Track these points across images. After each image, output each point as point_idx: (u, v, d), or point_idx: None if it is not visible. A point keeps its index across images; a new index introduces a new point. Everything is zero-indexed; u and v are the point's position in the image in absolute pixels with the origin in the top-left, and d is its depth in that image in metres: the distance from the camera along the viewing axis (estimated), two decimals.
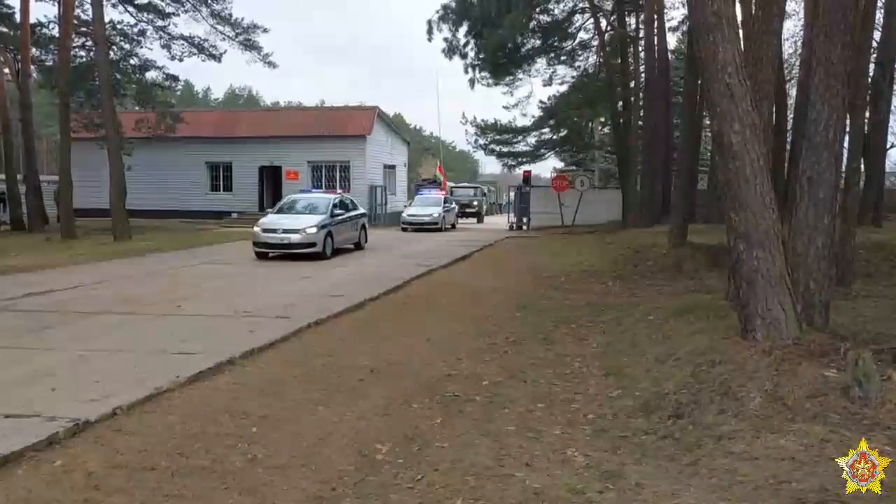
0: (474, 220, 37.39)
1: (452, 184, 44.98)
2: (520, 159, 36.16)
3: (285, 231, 16.53)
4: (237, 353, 7.17)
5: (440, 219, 28.73)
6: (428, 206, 29.85)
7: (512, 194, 33.72)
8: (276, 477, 4.34)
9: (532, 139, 35.45)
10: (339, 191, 20.63)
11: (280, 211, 18.29)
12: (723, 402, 5.13)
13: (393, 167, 37.01)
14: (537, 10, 27.86)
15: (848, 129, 9.53)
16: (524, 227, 29.68)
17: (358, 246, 19.27)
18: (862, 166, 15.09)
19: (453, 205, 32.46)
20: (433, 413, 5.60)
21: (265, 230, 16.75)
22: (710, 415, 5.04)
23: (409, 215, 29.10)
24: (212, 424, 5.21)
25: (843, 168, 9.47)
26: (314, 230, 16.55)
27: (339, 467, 4.49)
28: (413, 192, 38.28)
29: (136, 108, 31.59)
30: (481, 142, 35.30)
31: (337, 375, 6.61)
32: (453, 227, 30.74)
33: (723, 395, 5.21)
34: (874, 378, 4.81)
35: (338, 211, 17.83)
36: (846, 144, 9.50)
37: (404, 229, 28.02)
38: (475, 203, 38.99)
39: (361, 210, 20.00)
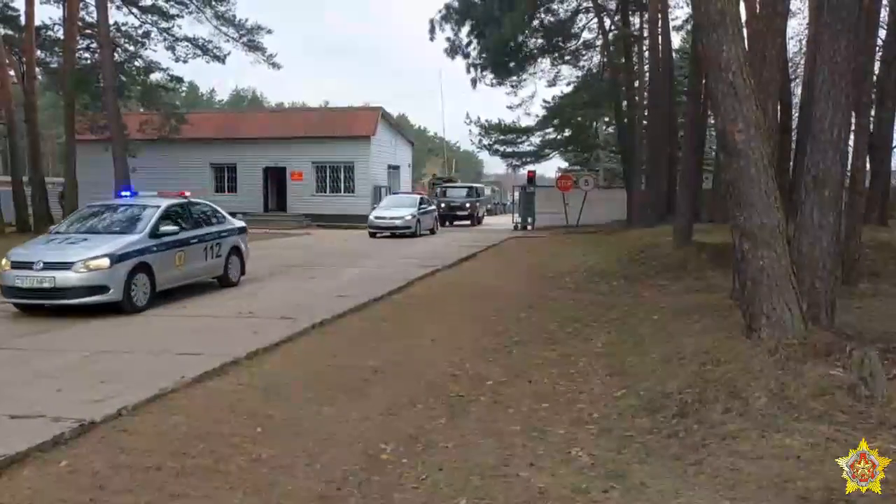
0: (467, 222, 33.89)
1: (450, 184, 42.01)
2: (524, 159, 36.17)
3: (47, 266, 9.51)
4: (242, 354, 7.17)
5: (414, 222, 24.67)
6: (400, 206, 25.65)
7: (516, 194, 33.60)
8: (280, 477, 4.34)
9: (536, 139, 35.49)
10: (185, 194, 12.30)
11: (66, 230, 10.93)
12: (728, 401, 5.12)
13: (397, 168, 37.02)
14: (541, 9, 27.85)
15: (853, 128, 9.50)
16: (529, 228, 29.65)
17: (224, 280, 12.14)
18: (867, 165, 15.03)
19: (432, 206, 28.63)
20: (438, 413, 5.60)
21: (17, 264, 9.71)
22: (714, 414, 5.02)
23: (377, 217, 24.86)
24: (216, 424, 5.21)
25: (849, 167, 9.45)
26: (106, 263, 9.51)
27: (343, 467, 4.50)
28: (434, 193, 36.63)
29: (141, 109, 31.70)
30: (485, 142, 35.34)
31: (341, 376, 6.61)
32: (432, 231, 26.80)
33: (728, 395, 5.20)
34: (880, 377, 4.80)
35: (168, 228, 10.70)
36: (851, 143, 9.48)
37: (372, 234, 24.52)
38: (467, 205, 34.59)
39: (232, 223, 12.77)
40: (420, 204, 26.31)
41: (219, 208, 12.98)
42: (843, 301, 7.86)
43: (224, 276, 12.21)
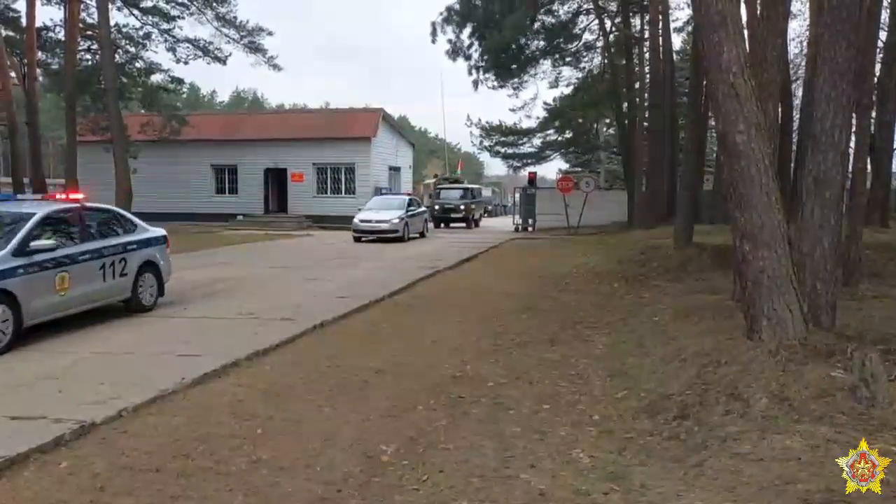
0: (462, 225, 32.15)
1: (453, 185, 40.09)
2: (525, 161, 36.28)
3: None
4: (242, 356, 7.18)
5: (402, 225, 23.24)
6: (386, 208, 24.10)
7: (517, 196, 33.52)
8: (280, 478, 4.34)
9: (537, 140, 35.65)
10: (77, 197, 9.67)
11: None
12: (728, 402, 5.11)
13: (398, 169, 37.04)
14: (541, 11, 27.89)
15: (854, 129, 9.50)
16: (530, 229, 29.65)
17: (133, 305, 9.81)
18: (868, 166, 15.03)
19: (422, 207, 26.77)
20: (438, 414, 5.60)
21: None
22: (715, 415, 5.02)
23: (362, 221, 23.43)
24: (216, 426, 5.22)
25: (850, 168, 9.44)
26: None
27: (344, 469, 4.49)
28: (434, 193, 35.62)
29: (142, 111, 31.76)
30: (486, 143, 35.48)
31: (342, 377, 6.62)
32: (422, 235, 25.37)
33: (728, 396, 5.19)
34: (881, 378, 4.78)
35: (44, 242, 8.29)
36: (852, 144, 9.47)
37: (357, 238, 23.03)
38: (462, 206, 32.50)
39: (145, 231, 10.38)
40: (408, 206, 24.73)
41: (127, 214, 10.68)
42: (843, 302, 7.86)
43: (133, 299, 9.74)
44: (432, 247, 21.70)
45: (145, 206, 27.85)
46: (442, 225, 32.01)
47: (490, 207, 47.88)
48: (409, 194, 27.67)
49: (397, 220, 23.15)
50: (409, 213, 24.29)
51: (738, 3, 7.21)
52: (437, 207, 32.36)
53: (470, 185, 37.69)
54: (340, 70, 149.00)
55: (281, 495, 4.12)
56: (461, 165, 50.12)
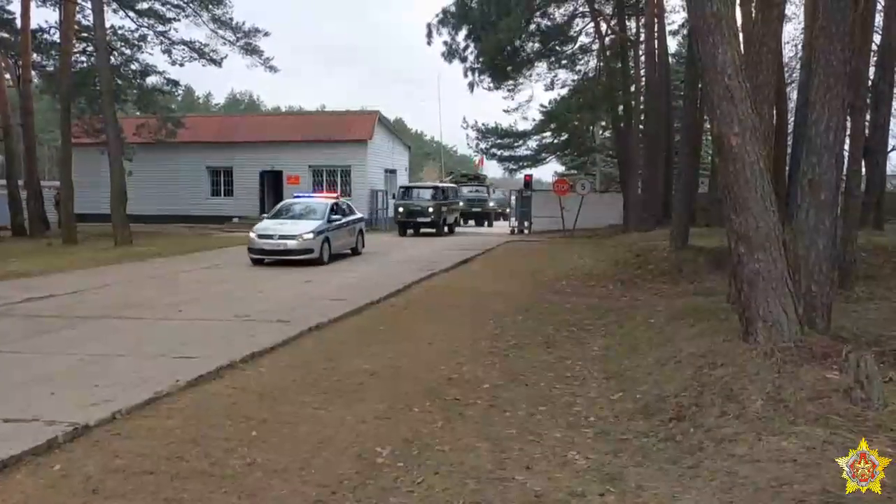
0: (432, 230, 27.51)
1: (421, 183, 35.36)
2: (521, 163, 36.26)
3: None
4: (237, 357, 7.16)
5: (318, 243, 16.61)
6: (297, 218, 17.56)
7: (513, 198, 33.43)
8: (275, 481, 4.32)
9: (533, 143, 35.64)
10: None
11: None
12: (724, 404, 5.12)
13: (394, 171, 37.02)
14: (537, 13, 27.92)
15: (849, 132, 9.52)
16: (526, 231, 29.65)
17: None
18: (863, 169, 15.07)
19: (354, 214, 19.90)
20: (434, 417, 5.58)
21: None
22: (711, 417, 5.02)
23: (260, 236, 16.70)
24: (211, 428, 5.19)
25: (844, 170, 9.47)
26: None
27: (338, 471, 4.48)
28: (398, 193, 30.82)
29: (137, 113, 31.65)
30: (482, 146, 35.43)
31: (337, 379, 6.60)
32: (354, 251, 19.10)
33: (724, 398, 5.19)
34: (876, 380, 4.79)
35: None
36: (847, 147, 9.49)
37: (256, 261, 16.58)
38: (430, 209, 27.28)
39: None
40: (331, 213, 17.79)
41: None
42: (838, 305, 7.88)
43: None
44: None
45: (141, 208, 27.89)
46: (410, 231, 27.54)
47: (501, 210, 45.82)
48: (335, 197, 20.16)
49: (311, 236, 16.54)
50: (333, 223, 17.71)
51: (733, 6, 7.23)
52: (400, 210, 27.82)
53: (442, 184, 32.63)
54: (337, 72, 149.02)
55: (275, 498, 4.10)
56: (482, 162, 48.49)
